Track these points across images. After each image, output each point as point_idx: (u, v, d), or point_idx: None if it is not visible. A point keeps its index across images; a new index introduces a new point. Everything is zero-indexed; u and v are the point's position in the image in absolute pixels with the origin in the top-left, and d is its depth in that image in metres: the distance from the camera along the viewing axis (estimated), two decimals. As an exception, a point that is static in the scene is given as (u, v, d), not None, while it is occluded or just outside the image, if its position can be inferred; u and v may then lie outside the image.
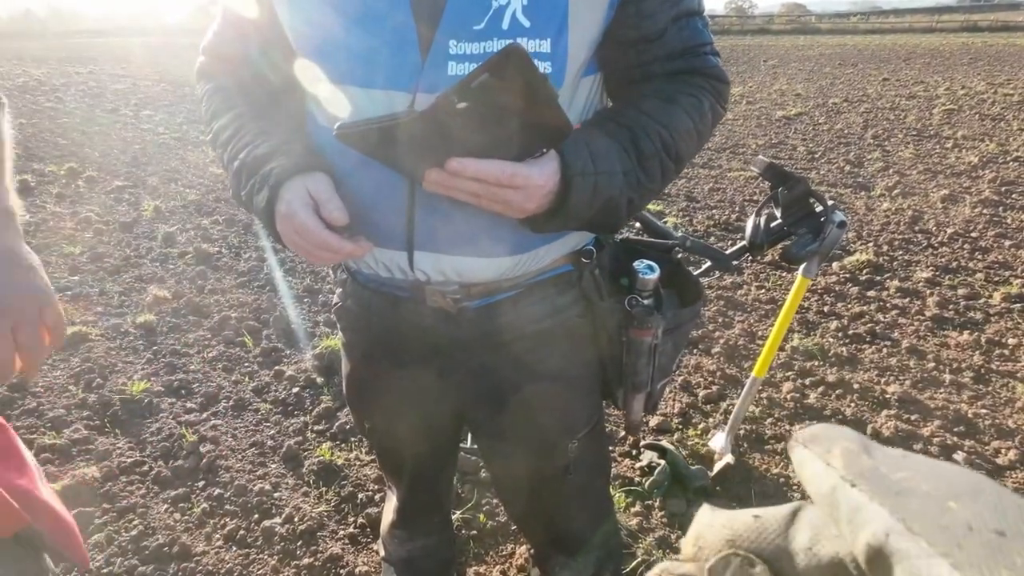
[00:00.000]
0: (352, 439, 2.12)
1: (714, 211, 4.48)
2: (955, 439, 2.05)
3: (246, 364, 2.58)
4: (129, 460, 2.01)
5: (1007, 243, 3.72)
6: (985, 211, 4.28)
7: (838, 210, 1.60)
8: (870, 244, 3.73)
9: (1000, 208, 4.35)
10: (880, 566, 0.22)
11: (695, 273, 1.80)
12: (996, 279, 3.24)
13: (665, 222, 4.18)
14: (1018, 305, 2.94)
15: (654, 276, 0.92)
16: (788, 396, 2.29)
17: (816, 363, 2.52)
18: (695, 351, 2.64)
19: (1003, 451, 1.99)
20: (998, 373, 2.43)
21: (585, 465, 1.00)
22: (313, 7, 0.71)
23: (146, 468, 1.99)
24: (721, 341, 2.69)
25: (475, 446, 1.93)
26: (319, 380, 2.44)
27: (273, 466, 2.01)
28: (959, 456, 1.96)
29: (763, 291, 3.16)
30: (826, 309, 2.96)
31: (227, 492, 1.89)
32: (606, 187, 0.70)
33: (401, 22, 0.67)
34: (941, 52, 17.85)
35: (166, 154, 6.29)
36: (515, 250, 0.79)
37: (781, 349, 2.61)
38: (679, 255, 1.05)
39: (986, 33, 28.83)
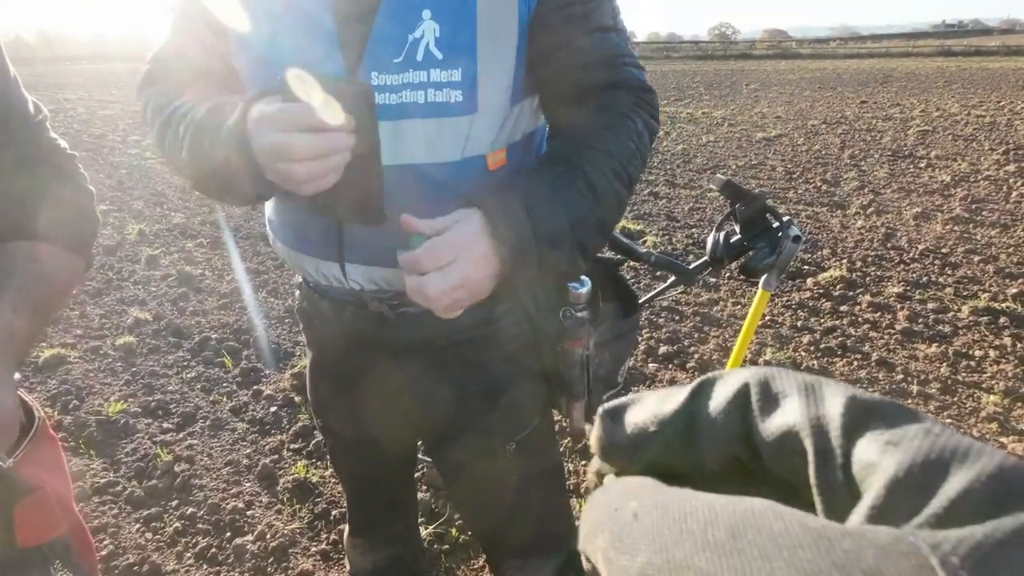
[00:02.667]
0: (328, 457, 2.12)
1: (693, 230, 4.56)
2: (920, 448, 2.09)
3: (224, 384, 2.59)
4: (102, 480, 2.00)
5: (976, 259, 3.81)
6: (956, 228, 4.40)
7: (794, 225, 1.66)
8: (844, 260, 3.81)
9: (970, 225, 4.46)
10: None
11: (662, 287, 1.85)
12: (965, 293, 3.32)
13: (644, 241, 4.26)
14: (985, 318, 3.01)
15: (584, 290, 0.96)
16: (759, 409, 2.32)
17: (788, 376, 2.56)
18: (670, 365, 2.68)
19: (967, 459, 2.03)
20: (964, 384, 2.48)
21: (528, 469, 1.02)
22: (252, 44, 0.76)
23: (119, 488, 1.98)
24: (696, 356, 2.73)
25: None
26: (297, 399, 2.45)
27: (248, 484, 2.01)
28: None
29: (739, 307, 3.22)
30: (799, 324, 3.02)
31: (200, 511, 1.89)
32: (552, 251, 0.70)
33: (329, 55, 0.73)
34: (917, 75, 18.37)
35: (152, 178, 6.33)
36: None
37: (754, 363, 2.66)
38: (619, 270, 1.09)
39: (960, 57, 29.75)
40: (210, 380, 2.62)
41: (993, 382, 2.48)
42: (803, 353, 2.74)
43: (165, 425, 2.31)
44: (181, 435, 2.26)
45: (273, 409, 2.39)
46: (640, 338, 2.89)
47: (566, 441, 2.16)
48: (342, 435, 1.08)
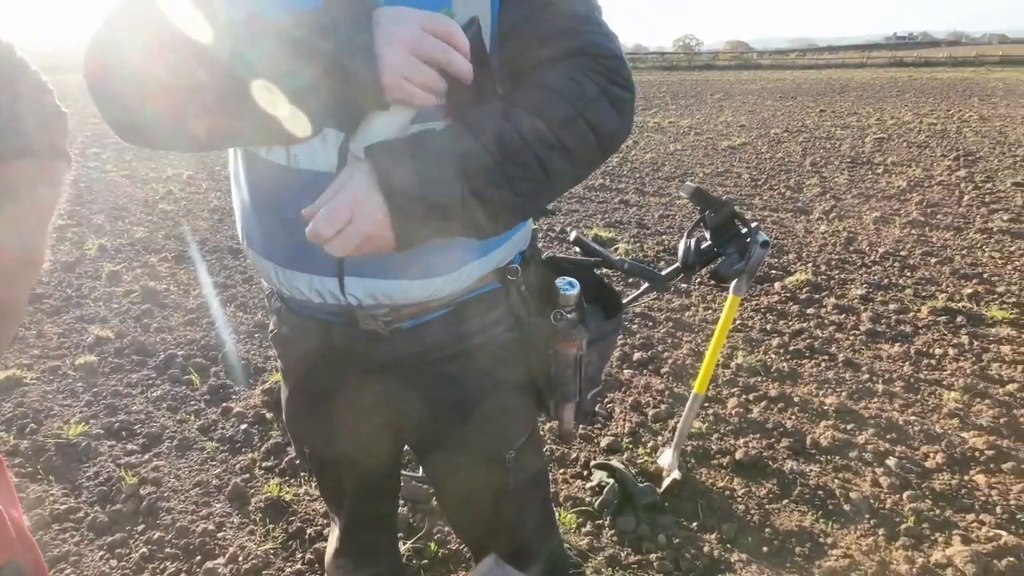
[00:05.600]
0: (302, 473, 2.08)
1: (664, 237, 4.63)
2: (887, 445, 2.15)
3: (192, 402, 2.51)
4: (63, 507, 1.92)
5: (933, 260, 3.96)
6: (913, 231, 4.56)
7: (761, 231, 1.70)
8: (809, 264, 3.91)
9: (926, 228, 4.64)
10: None
11: (635, 293, 1.87)
12: (924, 294, 3.44)
13: (616, 248, 4.30)
14: (943, 318, 3.13)
15: (574, 292, 0.97)
16: (733, 411, 2.36)
17: (759, 378, 2.62)
18: (645, 371, 2.70)
19: (931, 455, 2.10)
20: (926, 382, 2.57)
21: (523, 477, 1.03)
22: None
23: (81, 514, 1.90)
24: (670, 361, 2.76)
25: (424, 474, 1.93)
26: (268, 416, 2.39)
27: (218, 505, 1.95)
28: (891, 461, 2.06)
29: (710, 312, 3.27)
30: (768, 327, 3.09)
31: (168, 535, 1.82)
32: (435, 191, 0.67)
33: None
34: (872, 85, 19.08)
35: (113, 191, 6.15)
36: (442, 270, 0.82)
37: (726, 366, 2.70)
38: (600, 272, 1.11)
39: (911, 68, 31.05)
40: (177, 398, 2.54)
41: (953, 379, 2.57)
42: (773, 356, 2.79)
43: (129, 447, 2.23)
44: (146, 456, 2.18)
45: (244, 427, 2.33)
46: (617, 344, 2.91)
47: (543, 449, 2.16)
48: (332, 457, 1.05)
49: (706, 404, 2.42)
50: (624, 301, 1.92)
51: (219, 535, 1.83)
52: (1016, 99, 13.59)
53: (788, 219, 4.99)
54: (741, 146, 8.39)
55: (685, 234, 1.76)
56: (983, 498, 1.91)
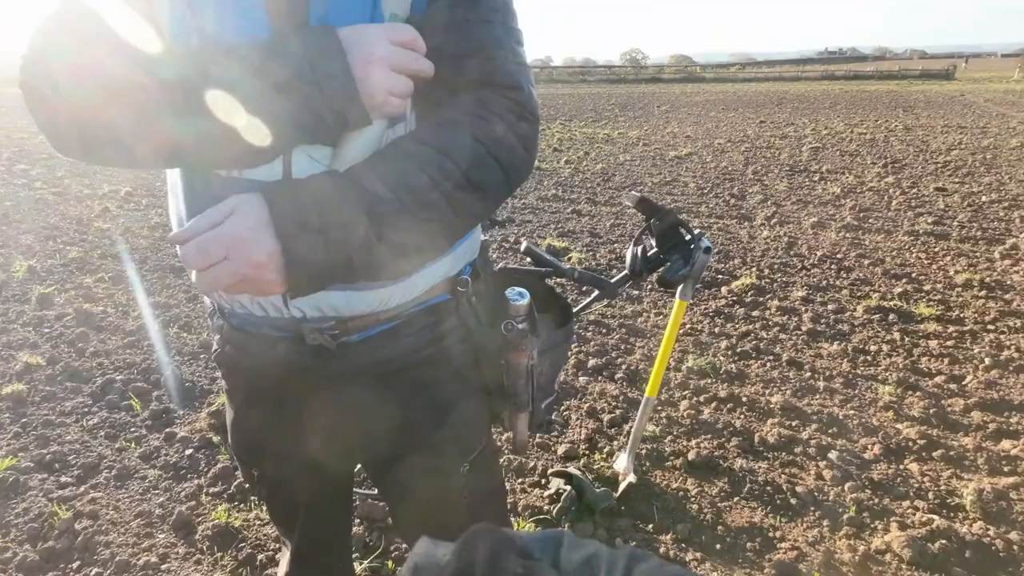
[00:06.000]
0: (252, 498, 2.01)
1: (615, 245, 4.73)
2: (829, 440, 2.25)
3: (132, 429, 2.39)
4: (-12, 548, 1.79)
5: (866, 262, 4.19)
6: (847, 235, 4.81)
7: (704, 237, 1.77)
8: (753, 268, 4.07)
9: (859, 232, 4.90)
10: None
11: (586, 301, 1.90)
12: (859, 294, 3.63)
13: (569, 258, 4.36)
14: (877, 316, 3.30)
15: (524, 302, 0.98)
16: (685, 413, 2.42)
17: (709, 380, 2.69)
18: (599, 377, 2.74)
19: (869, 447, 2.21)
20: (863, 377, 2.70)
21: (480, 488, 1.02)
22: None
23: (9, 555, 1.78)
24: (624, 367, 2.81)
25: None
26: (215, 439, 2.30)
27: (161, 536, 1.86)
28: (833, 455, 2.15)
29: (661, 317, 3.35)
30: (716, 330, 3.19)
31: (106, 571, 1.72)
32: (340, 237, 0.64)
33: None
34: (807, 98, 20.09)
35: (43, 210, 5.82)
36: (388, 281, 0.81)
37: (677, 370, 2.77)
38: (551, 282, 1.12)
39: (842, 81, 32.85)
40: (115, 426, 2.41)
41: (887, 374, 2.71)
42: (721, 358, 2.88)
43: (63, 479, 2.10)
44: (82, 489, 2.06)
45: (189, 452, 2.24)
46: (570, 353, 2.94)
47: (501, 460, 2.16)
48: (282, 478, 1.02)
49: (659, 407, 2.48)
50: (576, 309, 1.96)
51: (163, 567, 1.74)
52: (935, 110, 14.57)
53: (733, 225, 5.18)
54: (687, 156, 8.67)
55: (632, 242, 1.80)
56: (916, 485, 2.02)
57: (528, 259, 1.54)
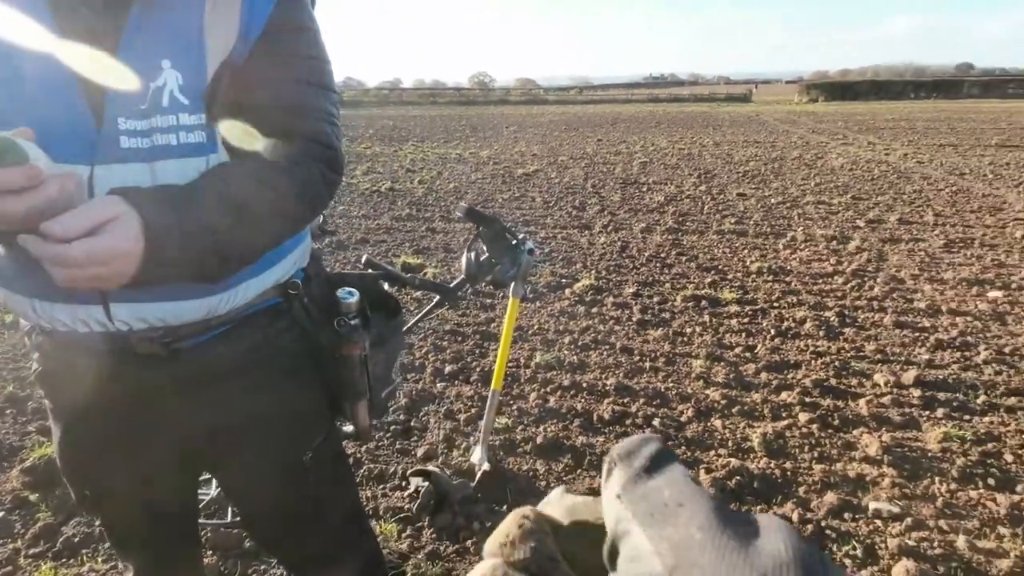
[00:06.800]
0: (84, 550, 1.85)
1: (469, 258, 4.93)
2: (653, 410, 2.61)
3: (-78, 501, 2.07)
4: None
5: (684, 259, 4.82)
6: (669, 237, 5.49)
7: (528, 241, 2.00)
8: (592, 271, 4.50)
9: (679, 233, 5.61)
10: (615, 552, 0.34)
11: (429, 306, 2.03)
12: (678, 286, 4.19)
13: (425, 272, 4.49)
14: (692, 303, 3.84)
15: (354, 299, 1.09)
16: (533, 404, 2.65)
17: (555, 372, 2.97)
18: (456, 382, 2.89)
19: (684, 412, 2.59)
20: (680, 355, 3.15)
21: (325, 475, 1.09)
22: None
23: None
24: (478, 369, 2.99)
25: (231, 519, 1.86)
26: (32, 497, 2.07)
27: (-29, 610, 1.66)
28: (656, 422, 2.50)
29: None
30: (561, 327, 3.50)
31: (-101, 660, 1.50)
32: (196, 241, 0.73)
33: (72, 102, 0.74)
34: (636, 118, 22.29)
35: None
36: (217, 288, 0.85)
37: (527, 366, 3.01)
38: (378, 282, 1.24)
39: (664, 103, 36.93)
40: (-102, 501, 2.07)
41: (699, 350, 3.18)
42: (565, 352, 3.18)
43: None
44: None
45: (1, 515, 1.99)
46: (426, 361, 3.06)
47: (362, 471, 2.21)
48: (118, 494, 1.00)
49: (510, 401, 2.68)
50: (421, 314, 2.09)
51: (-24, 642, 1.55)
52: (737, 128, 16.98)
53: (575, 234, 5.66)
54: (534, 173, 9.25)
55: (466, 248, 1.98)
56: (719, 437, 2.42)
57: (369, 270, 1.65)
